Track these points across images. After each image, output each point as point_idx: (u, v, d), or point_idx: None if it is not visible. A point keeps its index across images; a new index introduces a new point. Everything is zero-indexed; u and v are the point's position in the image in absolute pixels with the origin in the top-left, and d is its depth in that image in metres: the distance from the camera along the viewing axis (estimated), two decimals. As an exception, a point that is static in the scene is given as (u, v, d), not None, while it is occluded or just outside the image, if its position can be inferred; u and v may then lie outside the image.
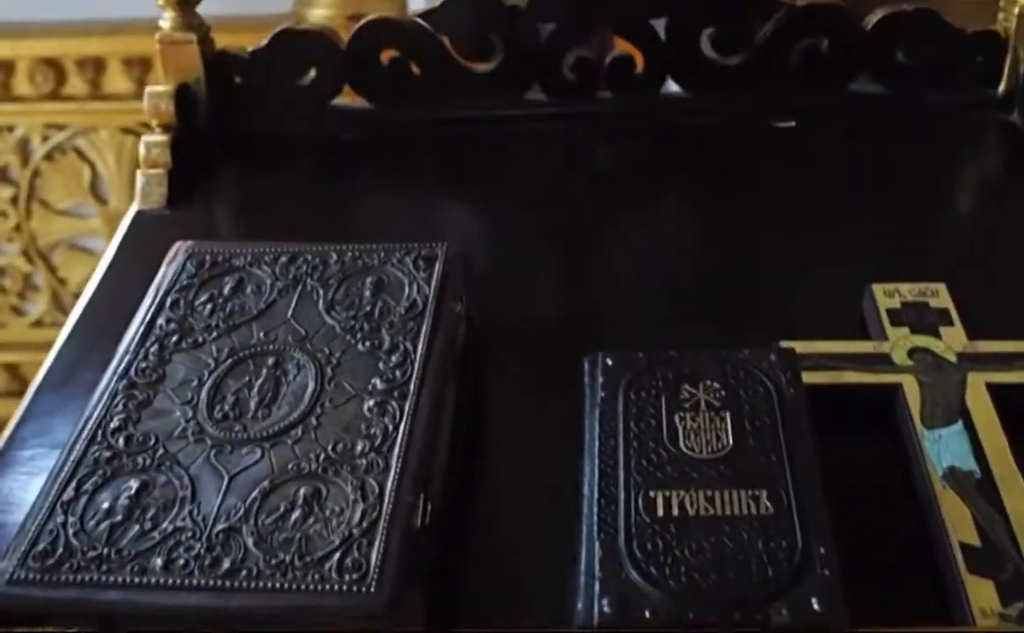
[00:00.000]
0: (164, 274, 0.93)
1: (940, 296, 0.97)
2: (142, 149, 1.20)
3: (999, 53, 1.26)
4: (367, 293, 0.89)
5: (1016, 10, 1.24)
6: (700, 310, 1.01)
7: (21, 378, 3.25)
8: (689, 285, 1.06)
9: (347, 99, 1.28)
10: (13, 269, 3.23)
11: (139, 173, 1.18)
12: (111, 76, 3.00)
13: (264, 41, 1.25)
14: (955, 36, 1.26)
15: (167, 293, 0.91)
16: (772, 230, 1.13)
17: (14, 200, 3.18)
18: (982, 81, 1.27)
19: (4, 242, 3.20)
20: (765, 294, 1.03)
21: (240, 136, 1.27)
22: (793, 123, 1.26)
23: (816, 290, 1.04)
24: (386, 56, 1.25)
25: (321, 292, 0.90)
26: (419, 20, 1.23)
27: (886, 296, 0.97)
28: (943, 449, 0.83)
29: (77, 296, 3.23)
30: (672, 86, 1.27)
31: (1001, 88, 1.27)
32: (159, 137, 1.19)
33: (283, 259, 0.93)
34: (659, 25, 1.23)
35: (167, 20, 1.23)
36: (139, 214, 1.17)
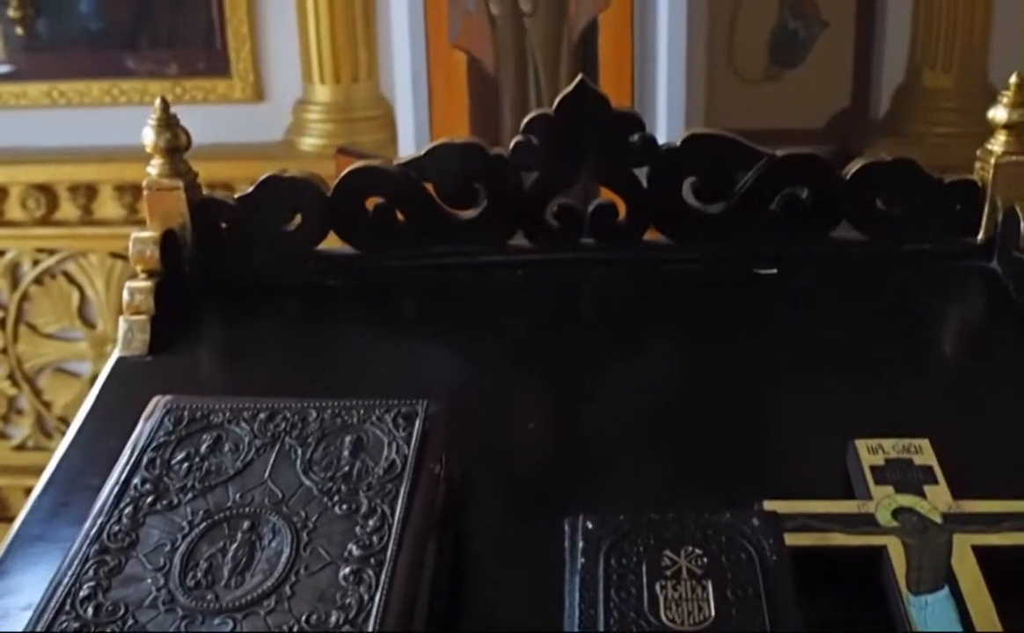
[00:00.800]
0: (141, 431, 0.92)
1: (924, 452, 0.97)
2: (125, 295, 1.19)
3: (977, 201, 1.28)
4: (346, 453, 0.88)
5: (992, 160, 1.26)
6: (683, 464, 1.01)
7: (3, 503, 3.21)
8: (672, 437, 1.05)
9: (332, 244, 1.29)
10: (-2, 392, 3.22)
11: (121, 319, 1.18)
12: (103, 202, 3.04)
13: (250, 188, 1.26)
14: (933, 185, 1.28)
15: (143, 451, 0.90)
16: (755, 378, 1.13)
17: (2, 323, 3.19)
18: (961, 229, 1.29)
19: (-10, 366, 3.19)
20: (748, 447, 1.03)
21: (225, 281, 1.27)
22: (775, 271, 1.27)
23: (799, 443, 1.04)
24: (371, 202, 1.26)
25: (299, 451, 0.89)
26: (404, 167, 1.25)
27: (869, 453, 0.97)
28: (930, 616, 0.81)
29: (62, 420, 3.22)
30: (655, 233, 1.28)
31: (980, 236, 1.29)
32: (143, 283, 1.19)
33: (262, 416, 0.92)
34: (641, 174, 1.25)
35: (155, 167, 1.24)
36: (120, 360, 1.16)
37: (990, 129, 1.26)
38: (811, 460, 1.00)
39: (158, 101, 1.23)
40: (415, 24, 2.14)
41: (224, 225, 1.27)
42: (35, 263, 3.13)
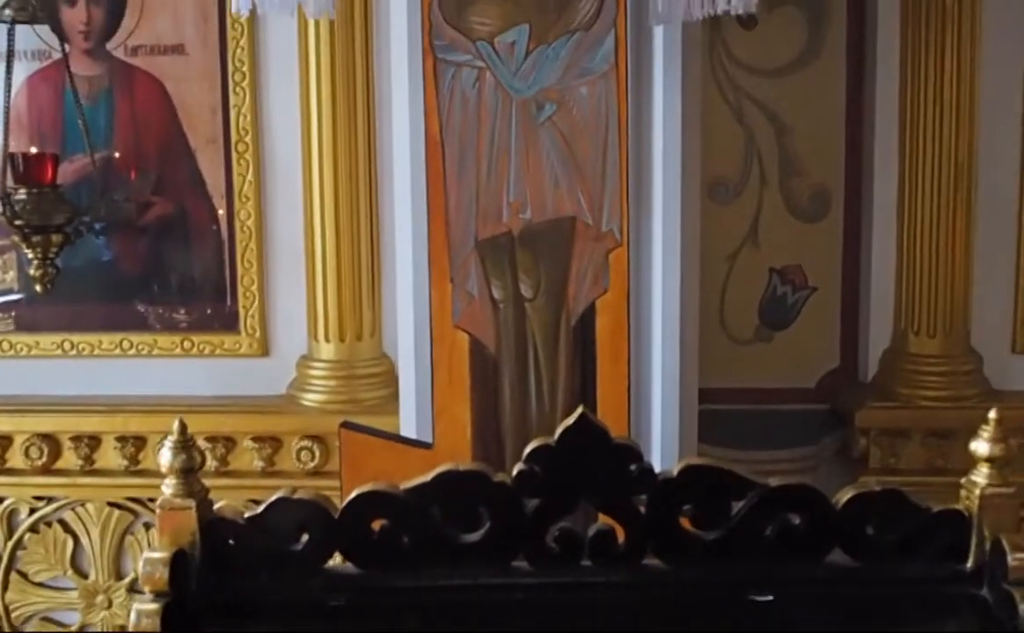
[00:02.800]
0: None
1: None
2: (132, 616, 1.21)
3: (964, 530, 1.32)
4: None
5: (977, 491, 1.31)
6: None
7: None
8: None
9: (336, 562, 1.32)
10: (-17, 643, 3.16)
11: (127, 645, 1.19)
12: (104, 451, 3.07)
13: (260, 508, 1.30)
14: (921, 513, 1.32)
15: None
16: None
17: (-7, 572, 3.16)
18: (951, 556, 1.33)
19: (-23, 617, 3.14)
20: None
21: (230, 598, 1.29)
22: (770, 597, 1.29)
23: None
24: (376, 524, 1.29)
25: None
26: (409, 492, 1.29)
27: None
28: None
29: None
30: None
31: (969, 563, 1.32)
32: (151, 606, 1.21)
33: None
34: (640, 500, 1.29)
35: (169, 486, 1.28)
36: (124, 686, 1.17)
37: (973, 461, 1.32)
38: None
39: (177, 423, 1.28)
40: (419, 307, 2.24)
41: (232, 542, 1.30)
42: (32, 511, 3.14)
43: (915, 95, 2.97)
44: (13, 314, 3.13)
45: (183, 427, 1.27)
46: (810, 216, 3.16)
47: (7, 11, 2.64)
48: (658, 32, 2.26)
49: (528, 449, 1.26)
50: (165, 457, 1.27)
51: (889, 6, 2.99)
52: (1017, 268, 3.08)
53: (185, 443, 1.28)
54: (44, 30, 2.87)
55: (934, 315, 3.06)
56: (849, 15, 3.09)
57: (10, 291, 3.17)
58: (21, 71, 2.93)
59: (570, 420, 1.25)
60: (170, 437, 1.27)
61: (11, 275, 3.16)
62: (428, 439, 2.21)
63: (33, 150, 2.85)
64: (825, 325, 3.22)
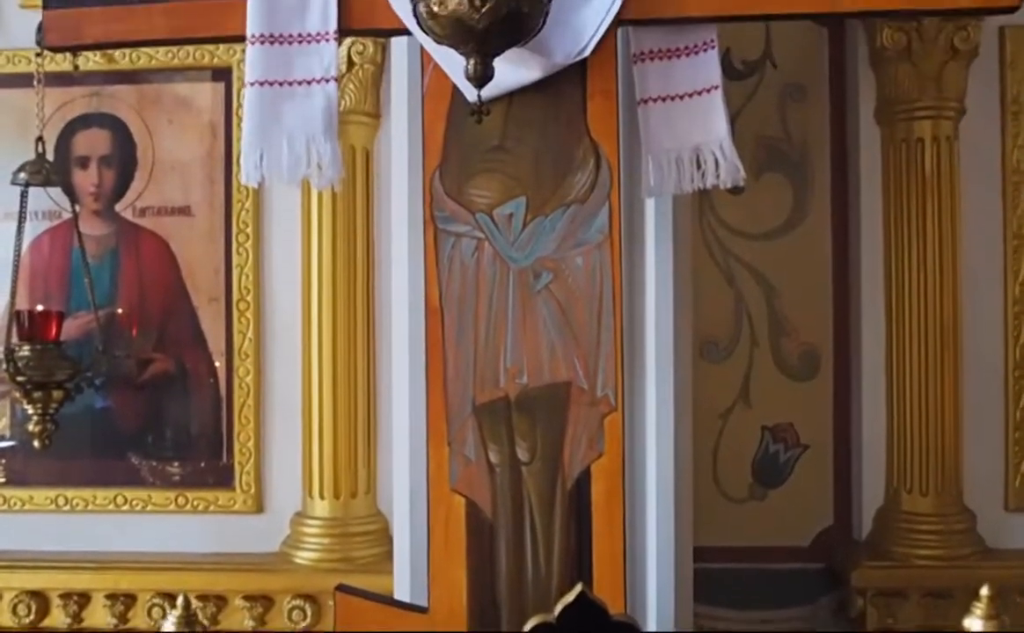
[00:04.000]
0: None
1: None
2: None
3: (962, 710, 1.32)
4: None
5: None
6: None
7: None
8: None
9: None
10: None
11: None
12: (93, 609, 3.03)
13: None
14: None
15: None
16: None
17: None
18: None
19: None
20: None
21: None
22: None
23: None
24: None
25: None
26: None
27: None
28: None
29: None
30: None
31: None
32: None
33: None
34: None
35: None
36: None
37: (968, 637, 1.33)
38: None
39: (180, 599, 1.29)
40: (416, 470, 2.26)
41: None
42: (16, 671, 3.08)
43: (899, 258, 3.07)
44: (3, 461, 3.13)
45: (187, 602, 1.28)
46: (800, 375, 3.21)
47: (22, 174, 2.72)
48: (650, 203, 2.36)
49: (529, 626, 1.27)
50: (168, 627, 1.28)
51: (871, 172, 3.11)
52: (1006, 427, 3.11)
53: (188, 618, 1.28)
54: (55, 191, 2.96)
55: (926, 473, 3.08)
56: (833, 181, 3.22)
57: (2, 438, 3.18)
58: (31, 230, 3.01)
59: (569, 597, 1.26)
60: (173, 612, 1.28)
61: (3, 422, 3.17)
62: (423, 602, 2.20)
63: (39, 307, 2.90)
64: (818, 483, 3.24)
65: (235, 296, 3.01)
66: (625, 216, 2.23)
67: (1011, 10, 2.16)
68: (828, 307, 3.21)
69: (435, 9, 1.81)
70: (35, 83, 2.68)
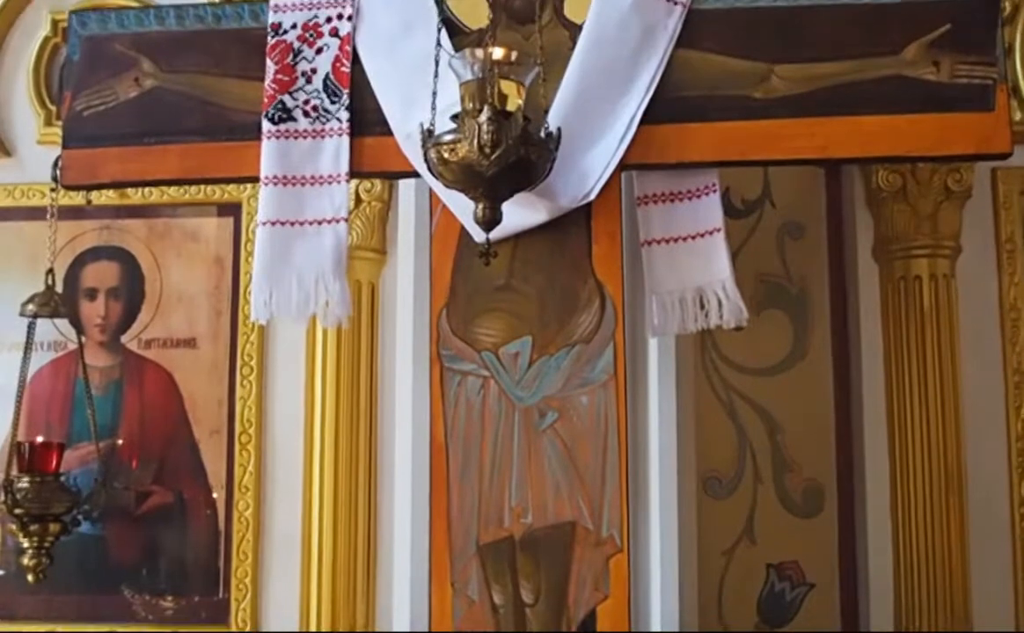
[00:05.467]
0: None
1: None
2: None
3: None
4: None
5: None
6: None
7: None
8: None
9: None
10: None
11: None
12: None
13: None
14: None
15: None
16: None
17: None
18: None
19: None
20: None
21: None
22: None
23: None
24: None
25: None
26: None
27: None
28: None
29: None
30: None
31: None
32: None
33: None
34: None
35: None
36: None
37: None
38: None
39: None
40: (417, 610, 2.22)
41: None
42: None
43: (900, 394, 3.07)
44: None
45: None
46: (805, 512, 3.18)
47: (31, 306, 2.74)
48: (653, 341, 2.37)
49: None
50: None
51: (870, 309, 3.14)
52: (1014, 565, 3.07)
53: None
54: (62, 321, 2.98)
55: (935, 611, 3.03)
56: (832, 317, 3.24)
57: (-8, 569, 3.13)
58: (36, 360, 3.01)
59: None
60: None
61: (-7, 549, 3.13)
62: None
63: (40, 439, 2.88)
64: (825, 622, 3.17)
65: (237, 429, 3.00)
66: (629, 355, 2.25)
67: (1004, 157, 2.23)
68: (831, 443, 3.20)
69: (446, 156, 1.86)
70: (48, 217, 2.72)
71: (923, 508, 3.03)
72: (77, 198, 2.86)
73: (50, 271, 2.73)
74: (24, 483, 2.76)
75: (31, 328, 2.81)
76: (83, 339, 2.94)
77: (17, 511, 2.75)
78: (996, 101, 2.17)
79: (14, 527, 2.78)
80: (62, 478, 2.82)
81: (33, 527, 2.77)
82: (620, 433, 2.13)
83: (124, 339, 3.08)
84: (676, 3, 2.21)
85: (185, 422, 3.03)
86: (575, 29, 2.22)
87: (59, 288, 2.80)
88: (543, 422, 2.14)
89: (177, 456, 3.03)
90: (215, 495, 3.02)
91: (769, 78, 2.19)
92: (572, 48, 2.19)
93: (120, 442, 3.03)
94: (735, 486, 3.17)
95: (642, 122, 2.16)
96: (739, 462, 3.18)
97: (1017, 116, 3.03)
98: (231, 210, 3.08)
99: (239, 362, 3.02)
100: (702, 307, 2.22)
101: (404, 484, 2.34)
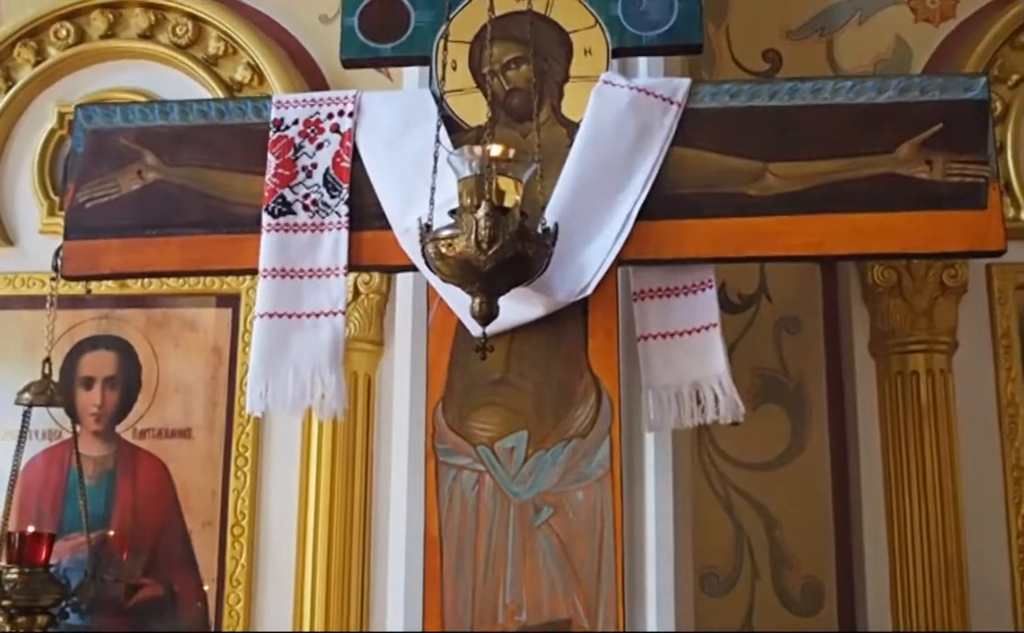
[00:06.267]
0: None
1: None
2: None
3: None
4: None
5: None
6: None
7: None
8: None
9: None
10: None
11: None
12: None
13: None
14: None
15: None
16: None
17: None
18: None
19: None
20: None
21: None
22: None
23: None
24: None
25: None
26: None
27: None
28: None
29: None
30: None
31: None
32: None
33: None
34: None
35: None
36: None
37: None
38: None
39: None
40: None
41: None
42: None
43: (899, 489, 3.05)
44: (-26, 691, 3.01)
45: None
46: (804, 610, 3.13)
47: (26, 395, 2.74)
48: (649, 436, 2.36)
49: None
50: None
51: (867, 403, 3.13)
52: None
53: None
54: (57, 411, 2.97)
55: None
56: (830, 412, 3.23)
57: (-29, 659, 3.07)
58: (30, 449, 2.99)
59: None
60: None
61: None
62: None
63: (31, 529, 2.86)
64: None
65: (230, 520, 2.97)
66: (625, 450, 2.23)
67: (998, 254, 2.24)
68: (830, 538, 3.16)
69: (443, 250, 1.88)
70: (47, 306, 2.73)
71: (924, 605, 2.99)
72: (77, 288, 2.87)
73: (47, 360, 2.74)
74: (13, 574, 2.73)
75: (26, 417, 2.80)
76: (78, 428, 2.93)
77: (5, 602, 2.72)
78: (989, 199, 2.19)
79: (1, 619, 2.74)
80: (52, 569, 2.79)
81: (20, 619, 2.73)
82: (616, 529, 2.11)
83: (119, 429, 3.06)
84: (672, 102, 2.24)
85: (178, 513, 3.00)
86: (573, 127, 2.25)
87: (56, 377, 2.81)
88: (538, 518, 2.12)
89: (169, 547, 2.99)
90: (206, 588, 2.97)
91: (764, 176, 2.22)
92: (570, 145, 2.22)
93: (111, 533, 3.00)
94: (733, 583, 3.13)
95: (638, 218, 2.18)
96: (737, 558, 3.14)
97: (1010, 213, 3.06)
98: (230, 301, 3.09)
99: (234, 453, 3.00)
100: (698, 402, 2.21)
101: (398, 579, 2.31)
